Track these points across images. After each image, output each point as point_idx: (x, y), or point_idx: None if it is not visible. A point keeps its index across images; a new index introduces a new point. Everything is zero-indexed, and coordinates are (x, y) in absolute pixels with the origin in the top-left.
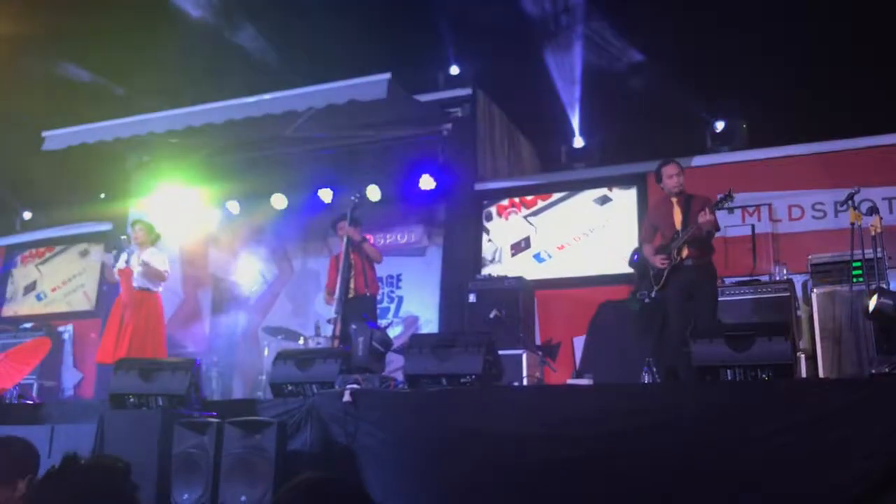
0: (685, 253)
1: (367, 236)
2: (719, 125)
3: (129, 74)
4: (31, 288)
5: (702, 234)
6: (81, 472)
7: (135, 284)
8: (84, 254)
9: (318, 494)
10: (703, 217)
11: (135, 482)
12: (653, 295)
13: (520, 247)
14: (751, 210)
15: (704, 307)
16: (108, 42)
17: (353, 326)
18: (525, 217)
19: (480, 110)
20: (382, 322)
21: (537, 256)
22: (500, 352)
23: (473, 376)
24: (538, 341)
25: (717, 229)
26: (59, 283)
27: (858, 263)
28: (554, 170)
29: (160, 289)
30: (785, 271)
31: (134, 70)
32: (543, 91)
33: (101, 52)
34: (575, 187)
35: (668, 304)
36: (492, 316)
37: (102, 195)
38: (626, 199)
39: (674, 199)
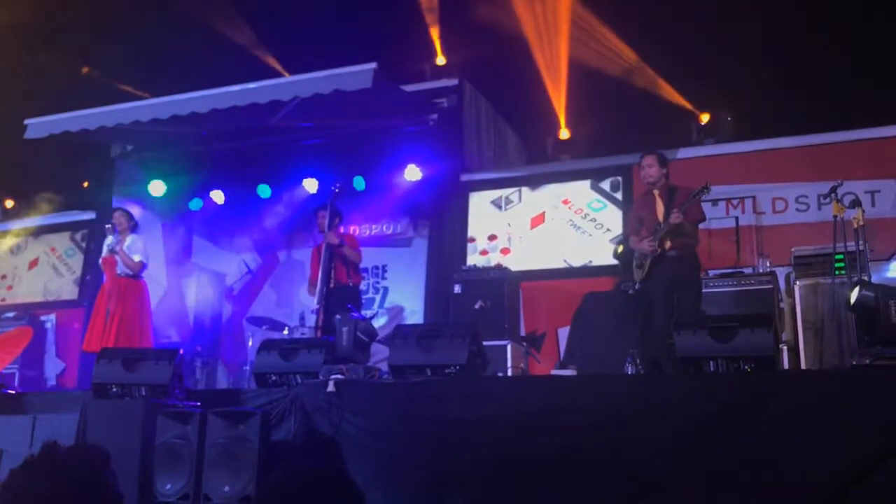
0: (668, 244)
1: (352, 228)
2: (704, 117)
3: (113, 62)
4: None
5: (681, 228)
6: (60, 459)
7: (119, 271)
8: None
9: (302, 486)
10: (675, 217)
11: (114, 470)
12: (637, 286)
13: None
14: (735, 202)
15: (688, 298)
16: (93, 30)
17: (338, 317)
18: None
19: (467, 101)
20: (367, 312)
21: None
22: (485, 342)
23: (458, 367)
24: (523, 332)
25: (702, 220)
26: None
27: (841, 256)
28: (540, 161)
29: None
30: (768, 263)
31: (118, 58)
32: (530, 82)
33: (86, 41)
34: (561, 178)
35: (651, 295)
36: (477, 307)
37: (86, 184)
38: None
39: (656, 192)
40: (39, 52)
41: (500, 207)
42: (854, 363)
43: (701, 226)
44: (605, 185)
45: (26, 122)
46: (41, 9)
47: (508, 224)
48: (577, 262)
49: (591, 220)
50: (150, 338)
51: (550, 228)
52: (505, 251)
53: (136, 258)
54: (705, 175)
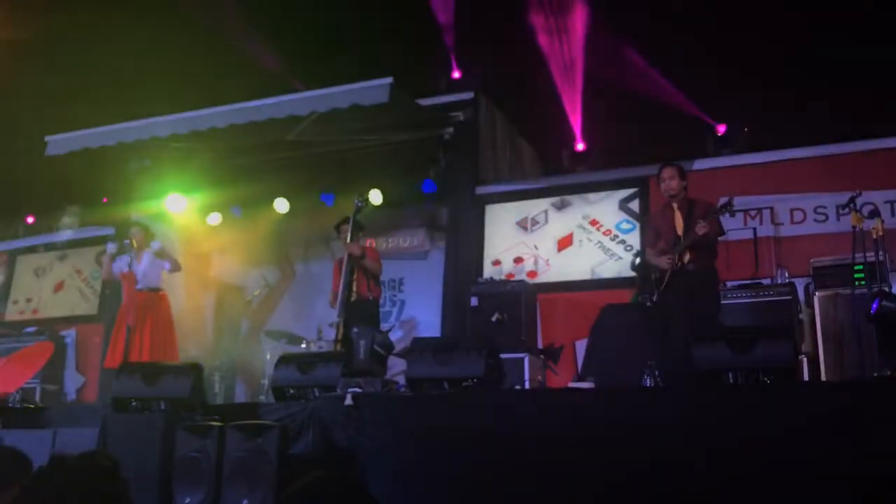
0: (687, 258)
1: (370, 241)
2: (721, 128)
3: (132, 79)
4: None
5: (704, 241)
6: (68, 471)
7: (139, 286)
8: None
9: (323, 494)
10: (701, 229)
11: (125, 478)
12: (654, 298)
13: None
14: (753, 213)
15: (706, 311)
16: (112, 47)
17: (355, 330)
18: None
19: (482, 114)
20: (384, 326)
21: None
22: (502, 355)
23: (475, 380)
24: (540, 345)
25: (721, 234)
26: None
27: (860, 267)
28: (555, 173)
29: (164, 287)
30: (787, 275)
31: (137, 74)
32: (545, 95)
33: (105, 57)
34: (576, 190)
35: (670, 308)
36: (494, 319)
37: (105, 200)
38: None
39: (674, 204)
40: (58, 70)
41: (525, 229)
42: (875, 374)
43: (721, 238)
44: (634, 205)
45: (46, 138)
46: (58, 26)
47: (535, 247)
48: (591, 273)
49: (620, 241)
50: (177, 351)
51: (578, 251)
52: (532, 274)
53: (174, 254)
54: (722, 186)
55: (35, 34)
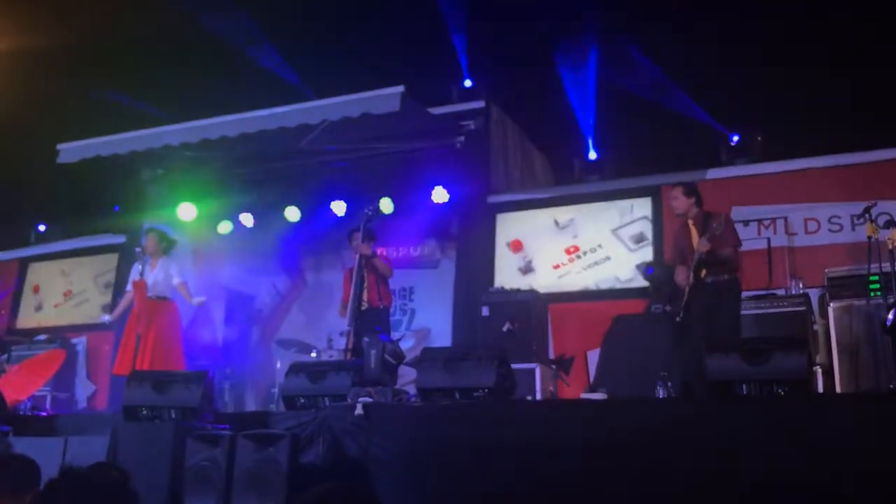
0: (703, 273)
1: (380, 250)
2: (735, 137)
3: (144, 87)
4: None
5: (714, 256)
6: (78, 484)
7: (150, 294)
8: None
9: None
10: (703, 246)
11: (135, 490)
12: (667, 309)
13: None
14: (766, 223)
15: (726, 325)
16: (124, 56)
17: (366, 339)
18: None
19: (493, 123)
20: (395, 335)
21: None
22: (514, 365)
23: (486, 390)
24: (552, 355)
25: (737, 245)
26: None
27: (876, 277)
28: (567, 182)
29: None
30: (801, 285)
31: (149, 83)
32: (557, 103)
33: (117, 66)
34: (588, 200)
35: (690, 321)
36: (505, 329)
37: (117, 208)
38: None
39: (690, 221)
40: (71, 78)
41: (537, 238)
42: (891, 386)
43: (739, 249)
44: (625, 231)
45: (58, 146)
46: (71, 35)
47: (546, 256)
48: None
49: (630, 251)
50: (183, 359)
51: (588, 260)
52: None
53: (176, 280)
54: (735, 196)
55: (48, 42)
